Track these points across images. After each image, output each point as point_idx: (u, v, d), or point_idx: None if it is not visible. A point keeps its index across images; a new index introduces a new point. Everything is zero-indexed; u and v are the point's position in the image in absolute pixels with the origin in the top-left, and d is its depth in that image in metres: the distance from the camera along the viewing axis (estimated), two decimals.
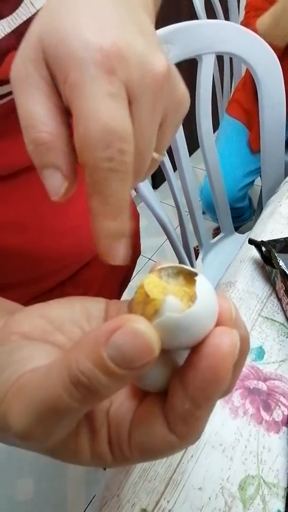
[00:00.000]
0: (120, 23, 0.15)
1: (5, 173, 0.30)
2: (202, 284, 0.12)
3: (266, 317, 0.40)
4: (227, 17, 1.07)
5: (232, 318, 0.13)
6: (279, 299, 0.41)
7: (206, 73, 0.62)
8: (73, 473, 0.98)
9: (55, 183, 0.15)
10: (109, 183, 0.14)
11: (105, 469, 0.98)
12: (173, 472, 0.29)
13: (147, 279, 0.13)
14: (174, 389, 0.13)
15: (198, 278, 0.12)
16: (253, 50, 0.60)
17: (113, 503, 0.28)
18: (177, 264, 0.13)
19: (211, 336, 0.12)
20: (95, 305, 0.17)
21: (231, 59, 1.11)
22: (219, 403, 0.34)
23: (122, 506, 0.28)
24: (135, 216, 0.55)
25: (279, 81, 0.62)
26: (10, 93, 0.26)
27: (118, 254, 0.15)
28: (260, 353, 0.38)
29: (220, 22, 0.60)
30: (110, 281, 0.50)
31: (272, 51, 0.60)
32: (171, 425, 0.13)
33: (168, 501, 0.27)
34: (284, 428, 0.31)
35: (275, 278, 0.41)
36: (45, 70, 0.14)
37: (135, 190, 0.65)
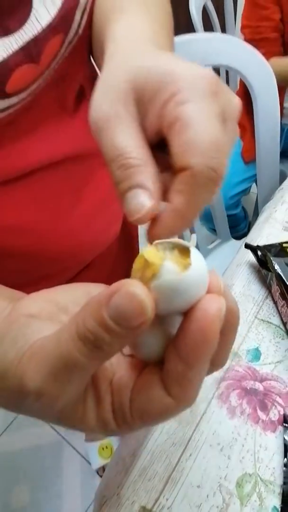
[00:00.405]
0: (188, 63, 0.17)
1: (6, 178, 0.31)
2: (196, 255, 0.14)
3: (262, 319, 0.41)
4: (224, 29, 1.10)
5: (220, 289, 0.14)
6: (275, 302, 0.42)
7: None
8: (69, 481, 0.97)
9: (143, 202, 0.16)
10: (203, 190, 0.15)
11: (101, 476, 0.98)
12: (172, 471, 0.30)
13: (146, 250, 0.14)
14: (169, 354, 0.14)
15: (192, 250, 0.14)
16: (249, 63, 0.62)
17: (113, 501, 0.28)
18: (173, 239, 0.15)
19: (201, 301, 0.13)
20: (96, 289, 0.19)
21: (227, 71, 1.14)
22: (217, 403, 0.34)
23: (122, 504, 0.28)
24: (133, 225, 0.56)
25: (274, 94, 0.64)
26: (13, 105, 0.27)
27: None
28: (257, 354, 0.38)
29: (217, 35, 0.62)
30: (111, 283, 0.51)
31: (268, 64, 0.62)
32: (167, 388, 0.14)
33: (167, 499, 0.28)
34: (280, 427, 0.32)
35: (271, 281, 0.42)
36: (133, 107, 0.17)
37: None
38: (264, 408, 0.33)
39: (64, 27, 0.27)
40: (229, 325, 0.15)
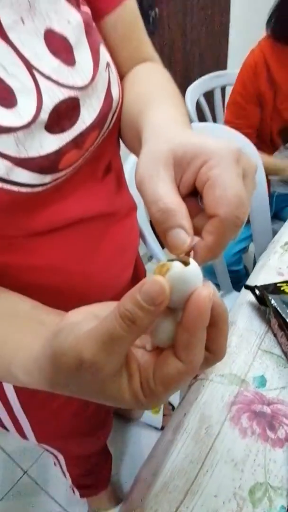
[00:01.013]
0: (214, 138, 0.24)
1: (48, 229, 0.38)
2: (193, 262, 0.20)
3: (265, 350, 0.46)
4: (214, 119, 1.31)
5: (209, 286, 0.20)
6: (275, 334, 0.47)
7: None
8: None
9: (182, 239, 0.21)
10: (229, 232, 0.21)
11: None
12: (190, 484, 0.33)
13: (163, 260, 0.21)
14: (177, 330, 0.20)
15: (190, 259, 0.20)
16: (236, 142, 0.77)
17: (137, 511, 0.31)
18: (178, 257, 0.21)
19: (196, 289, 0.19)
20: None
21: None
22: (229, 425, 0.38)
23: None
24: (142, 271, 0.63)
25: (258, 164, 0.77)
26: (61, 177, 0.35)
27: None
28: (263, 381, 0.43)
29: (209, 124, 0.77)
30: None
31: (251, 143, 0.77)
32: (178, 356, 0.19)
33: (187, 507, 0.30)
34: (287, 443, 0.35)
35: (270, 316, 0.48)
36: (171, 171, 0.23)
37: (145, 244, 0.75)
38: (272, 428, 0.37)
39: (100, 125, 0.36)
40: (220, 318, 0.20)
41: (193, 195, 0.24)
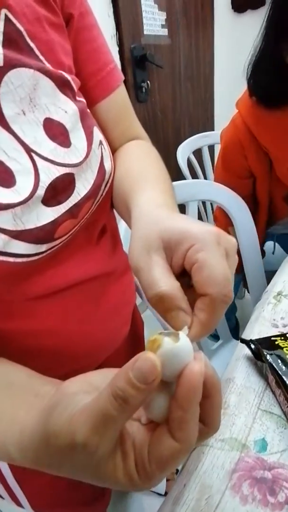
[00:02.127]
0: (195, 221, 0.26)
1: (45, 293, 0.38)
2: (183, 337, 0.21)
3: (265, 410, 0.45)
4: (204, 174, 1.40)
5: (201, 359, 0.20)
6: (273, 392, 0.46)
7: (193, 214, 0.83)
8: None
9: (183, 319, 0.22)
10: (219, 309, 0.23)
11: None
12: None
13: (154, 335, 0.22)
14: (171, 407, 0.20)
15: (180, 333, 0.21)
16: (224, 197, 0.82)
17: None
18: (171, 330, 0.23)
19: (188, 364, 0.20)
20: None
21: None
22: (230, 494, 0.36)
23: None
24: (139, 323, 0.63)
25: (248, 217, 0.82)
26: (57, 245, 0.36)
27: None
28: (264, 445, 0.41)
29: (201, 180, 0.83)
30: None
31: (239, 197, 0.82)
32: (173, 435, 0.20)
33: None
34: (286, 505, 0.33)
35: (267, 372, 0.47)
36: (162, 253, 0.24)
37: (140, 297, 0.76)
38: (273, 493, 0.35)
39: (94, 195, 0.38)
40: (213, 389, 0.21)
41: (184, 273, 0.25)
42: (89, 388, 0.23)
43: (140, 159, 0.43)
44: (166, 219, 0.26)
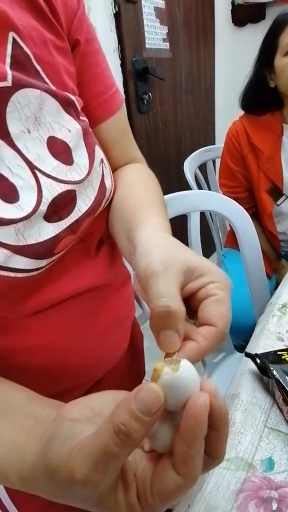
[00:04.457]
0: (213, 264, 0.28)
1: (42, 308, 0.37)
2: (185, 366, 0.20)
3: (272, 428, 0.44)
4: (208, 186, 1.41)
5: (211, 390, 0.20)
6: (280, 409, 0.45)
7: (195, 224, 0.83)
8: None
9: (174, 341, 0.23)
10: (220, 342, 0.24)
11: None
12: None
13: (158, 362, 0.21)
14: (175, 440, 0.19)
15: (182, 362, 0.21)
16: (227, 208, 0.82)
17: None
18: (176, 357, 0.22)
19: (192, 397, 0.19)
20: (121, 395, 0.24)
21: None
22: None
23: None
24: (139, 337, 0.62)
25: (250, 228, 0.81)
26: (55, 259, 0.36)
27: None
28: (270, 464, 0.40)
29: (205, 192, 0.83)
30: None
31: (241, 207, 0.82)
32: (177, 469, 0.19)
33: None
34: None
35: (273, 388, 0.46)
36: (181, 276, 0.25)
37: (140, 307, 0.75)
38: None
39: (94, 212, 0.38)
40: (221, 421, 0.20)
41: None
42: (90, 414, 0.22)
43: (137, 183, 0.44)
44: (189, 250, 0.28)
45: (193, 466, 0.19)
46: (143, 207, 0.36)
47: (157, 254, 0.26)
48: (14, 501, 0.46)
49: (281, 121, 1.08)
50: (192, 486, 0.20)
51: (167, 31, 1.55)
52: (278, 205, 1.13)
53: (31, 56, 0.32)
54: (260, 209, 1.16)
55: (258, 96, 1.07)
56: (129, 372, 0.56)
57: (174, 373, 0.19)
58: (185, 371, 0.20)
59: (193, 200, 0.81)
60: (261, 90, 1.05)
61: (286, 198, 1.13)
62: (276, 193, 1.12)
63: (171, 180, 1.71)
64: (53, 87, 0.34)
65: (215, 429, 0.20)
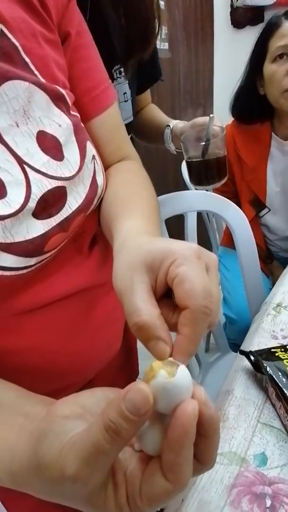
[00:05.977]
0: (176, 240, 0.26)
1: (32, 308, 0.37)
2: (182, 372, 0.20)
3: (264, 423, 0.44)
4: None
5: (201, 398, 0.20)
6: (273, 405, 0.46)
7: (192, 224, 0.83)
8: None
9: (162, 349, 0.22)
10: (201, 321, 0.22)
11: None
12: None
13: (155, 362, 0.21)
14: (163, 447, 0.20)
15: (179, 367, 0.21)
16: (224, 208, 0.82)
17: None
18: (174, 360, 0.22)
19: (181, 404, 0.19)
20: (112, 392, 0.24)
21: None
22: (230, 509, 0.35)
23: None
24: (132, 336, 0.61)
25: (246, 227, 0.82)
26: (46, 258, 0.35)
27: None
28: (263, 459, 0.40)
29: (199, 192, 0.83)
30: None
31: (238, 208, 0.82)
32: (165, 475, 0.19)
33: None
34: None
35: (267, 384, 0.47)
36: (145, 277, 0.24)
37: None
38: (273, 509, 0.34)
39: (86, 209, 0.38)
40: (211, 429, 0.20)
41: (169, 293, 0.25)
42: (81, 411, 0.22)
43: (128, 184, 0.43)
44: (146, 243, 0.26)
45: (180, 473, 0.19)
46: (119, 214, 0.36)
47: (117, 269, 0.26)
48: (2, 500, 0.46)
49: (270, 131, 1.04)
50: (181, 491, 0.20)
51: (166, 31, 1.56)
52: (260, 217, 1.13)
53: (20, 48, 0.32)
54: None
55: (248, 104, 1.03)
56: (122, 371, 0.56)
57: (170, 377, 0.19)
58: (181, 377, 0.20)
59: (190, 200, 0.81)
60: (251, 98, 1.01)
61: (268, 211, 1.11)
62: (257, 204, 1.11)
63: (168, 180, 1.72)
64: (42, 80, 0.33)
65: (205, 437, 0.20)
